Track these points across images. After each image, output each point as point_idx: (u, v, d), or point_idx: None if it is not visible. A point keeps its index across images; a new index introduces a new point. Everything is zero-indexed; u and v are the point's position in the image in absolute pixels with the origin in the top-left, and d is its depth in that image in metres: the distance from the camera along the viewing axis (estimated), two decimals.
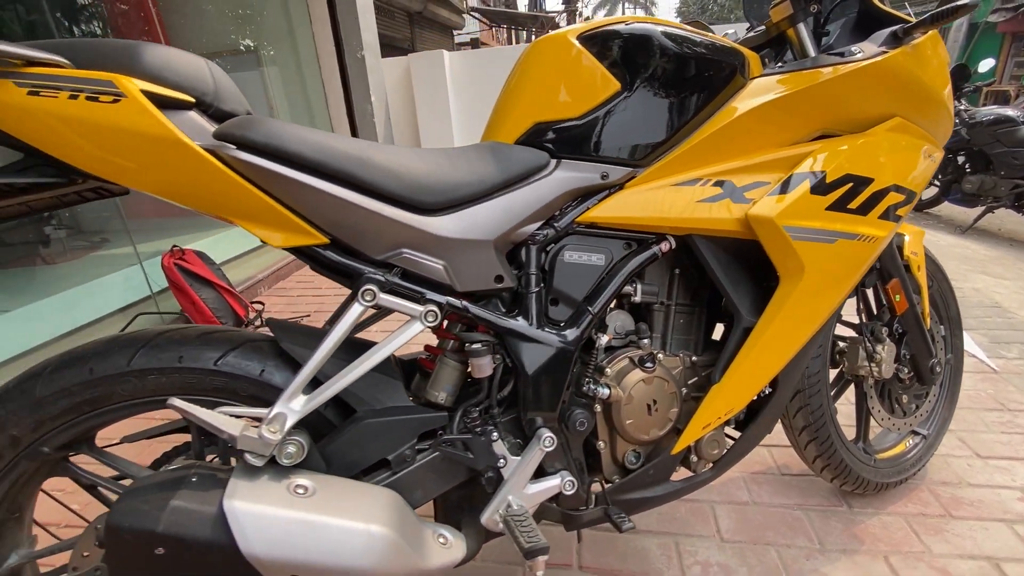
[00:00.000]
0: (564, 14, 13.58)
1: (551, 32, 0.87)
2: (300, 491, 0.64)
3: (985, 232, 4.02)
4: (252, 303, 2.59)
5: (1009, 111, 3.81)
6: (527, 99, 0.86)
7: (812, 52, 0.98)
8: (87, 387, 0.70)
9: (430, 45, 11.52)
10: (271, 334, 0.80)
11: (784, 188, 0.83)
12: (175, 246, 2.39)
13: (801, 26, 0.98)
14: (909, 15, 0.98)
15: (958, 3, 0.83)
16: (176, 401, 0.62)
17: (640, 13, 44.74)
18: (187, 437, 0.84)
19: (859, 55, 0.88)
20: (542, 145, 0.84)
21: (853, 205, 0.86)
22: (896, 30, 0.90)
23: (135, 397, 0.73)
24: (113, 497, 0.78)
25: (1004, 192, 3.81)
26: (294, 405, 0.67)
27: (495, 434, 0.80)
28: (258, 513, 0.59)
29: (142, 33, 3.17)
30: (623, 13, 43.65)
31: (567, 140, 0.83)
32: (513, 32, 15.05)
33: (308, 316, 2.60)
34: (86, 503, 0.96)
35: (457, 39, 14.34)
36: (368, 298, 0.71)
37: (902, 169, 0.90)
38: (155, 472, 0.65)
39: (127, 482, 0.82)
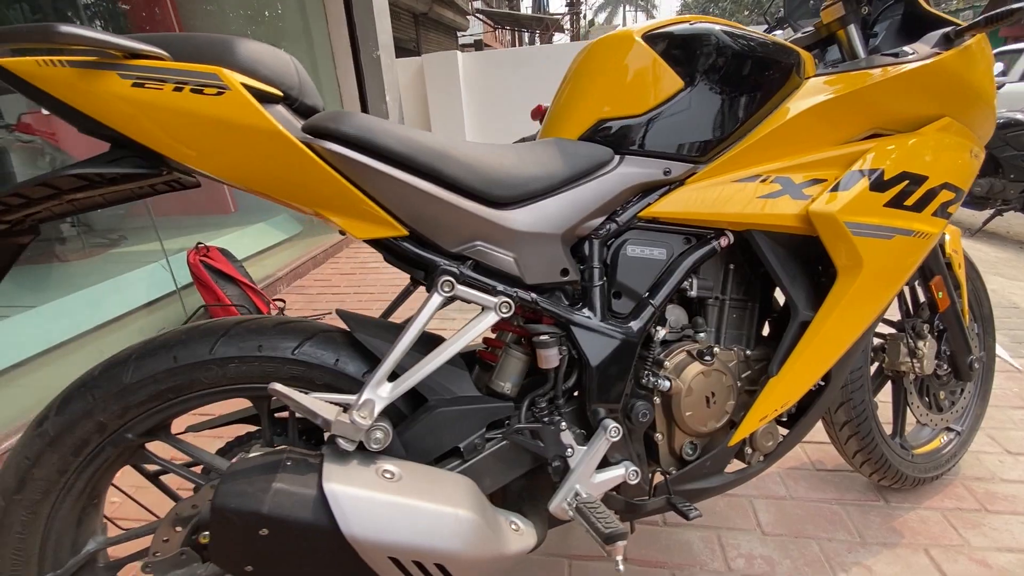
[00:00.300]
0: (568, 16, 13.64)
1: (615, 31, 0.89)
2: (388, 475, 0.66)
3: (994, 235, 4.04)
4: (273, 300, 2.60)
5: (1018, 115, 3.84)
6: (591, 96, 0.87)
7: (861, 52, 1.00)
8: (171, 375, 0.71)
9: (434, 46, 11.56)
10: (342, 326, 0.82)
11: (844, 185, 0.85)
12: (200, 243, 2.40)
13: (851, 27, 1.00)
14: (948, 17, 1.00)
15: (1011, 6, 0.85)
16: (277, 386, 0.63)
17: (641, 16, 44.88)
18: (239, 430, 0.86)
19: (912, 56, 0.90)
20: (606, 141, 0.86)
21: (909, 202, 0.88)
22: (948, 32, 0.93)
23: (216, 385, 0.74)
24: (188, 484, 0.79)
25: (1013, 195, 3.84)
26: (381, 392, 0.69)
27: (563, 424, 0.81)
28: (356, 496, 0.60)
29: (160, 30, 3.18)
30: (624, 16, 43.80)
31: (631, 136, 0.85)
32: (516, 34, 15.11)
33: (329, 314, 2.61)
34: (136, 488, 0.97)
35: (461, 40, 14.38)
36: (447, 289, 0.73)
37: (952, 168, 0.92)
38: (250, 456, 0.66)
39: (196, 469, 0.83)
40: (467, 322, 0.77)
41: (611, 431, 0.82)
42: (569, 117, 0.89)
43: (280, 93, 0.67)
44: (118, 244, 2.88)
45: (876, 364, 1.25)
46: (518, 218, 0.79)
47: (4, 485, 0.68)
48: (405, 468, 0.68)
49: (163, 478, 0.87)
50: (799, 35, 1.12)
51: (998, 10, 0.87)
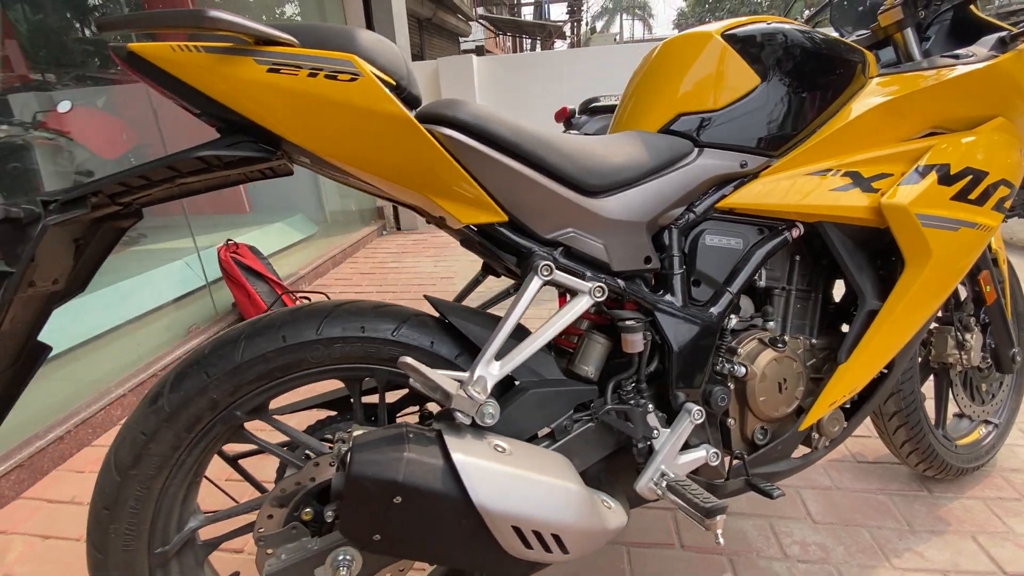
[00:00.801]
0: (569, 23, 13.79)
1: (691, 29, 0.93)
2: (500, 450, 0.68)
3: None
4: (299, 297, 2.61)
5: None
6: (671, 91, 0.91)
7: (917, 55, 1.05)
8: (281, 354, 0.74)
9: (437, 52, 11.64)
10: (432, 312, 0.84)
11: (913, 179, 0.89)
12: (229, 239, 2.42)
13: (908, 31, 1.04)
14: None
15: None
16: (408, 359, 0.66)
17: (638, 24, 45.33)
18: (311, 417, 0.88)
19: (972, 58, 0.94)
20: (685, 134, 0.89)
21: (972, 196, 0.91)
22: (1004, 36, 0.97)
23: (321, 365, 0.76)
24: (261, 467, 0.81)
25: (1018, 202, 3.92)
26: (492, 370, 0.71)
27: (649, 406, 0.84)
28: (483, 467, 0.62)
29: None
30: (620, 24, 44.22)
31: (709, 130, 0.88)
32: (517, 40, 15.25)
33: None
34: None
35: (463, 46, 14.47)
36: (546, 272, 0.76)
37: (1008, 165, 0.96)
38: (371, 430, 0.68)
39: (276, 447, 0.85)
40: (561, 307, 0.80)
41: (695, 414, 0.85)
42: (648, 111, 0.92)
43: (393, 82, 0.70)
44: (138, 242, 2.89)
45: (919, 357, 1.29)
46: (608, 206, 0.82)
47: (120, 460, 0.70)
48: (512, 444, 0.71)
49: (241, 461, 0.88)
50: (854, 37, 1.16)
51: None
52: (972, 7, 1.05)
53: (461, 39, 14.06)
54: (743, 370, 0.89)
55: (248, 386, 0.74)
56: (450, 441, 0.65)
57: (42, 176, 2.56)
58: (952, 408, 1.32)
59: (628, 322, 0.82)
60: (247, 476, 0.90)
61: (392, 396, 0.91)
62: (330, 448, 0.79)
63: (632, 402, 0.84)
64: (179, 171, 0.67)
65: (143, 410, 0.71)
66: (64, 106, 2.60)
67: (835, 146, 0.91)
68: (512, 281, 1.10)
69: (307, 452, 0.82)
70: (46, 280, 0.66)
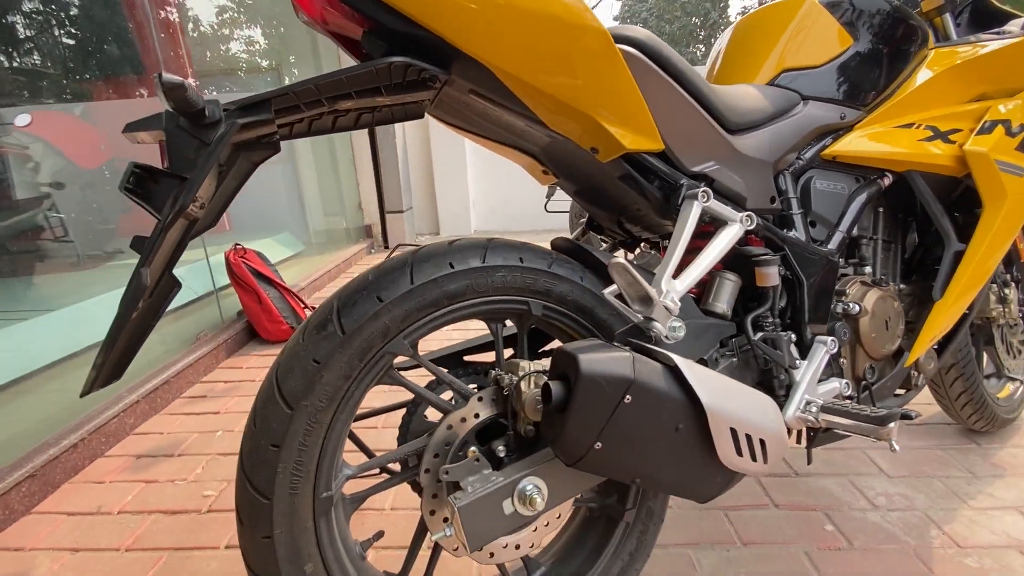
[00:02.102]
0: None
1: None
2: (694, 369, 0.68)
3: None
4: (309, 304, 2.49)
5: None
6: (774, 49, 0.98)
7: (954, 35, 1.18)
8: (450, 279, 0.71)
9: None
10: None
11: (986, 130, 0.99)
12: (237, 244, 2.30)
13: (947, 15, 1.18)
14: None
15: None
16: (620, 260, 0.65)
17: None
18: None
19: (1011, 35, 1.08)
20: (791, 88, 0.96)
21: None
22: None
23: (484, 294, 0.74)
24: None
25: None
26: (675, 285, 0.72)
27: (792, 335, 0.86)
28: (702, 371, 0.62)
29: (168, 56, 3.12)
30: None
31: (812, 84, 0.95)
32: None
33: None
34: None
35: None
36: (704, 198, 0.78)
37: None
38: (583, 341, 0.66)
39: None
40: (715, 235, 0.82)
41: (830, 344, 0.87)
42: (753, 66, 0.99)
43: None
44: (115, 257, 2.70)
45: None
46: (745, 143, 0.86)
47: (292, 390, 0.64)
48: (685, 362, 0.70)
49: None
50: None
51: None
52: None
53: None
54: (857, 308, 0.94)
55: (417, 313, 0.70)
56: (658, 349, 0.64)
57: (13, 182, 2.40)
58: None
59: (764, 257, 0.85)
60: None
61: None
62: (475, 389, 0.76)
63: (775, 334, 0.86)
64: (348, 89, 0.65)
65: (311, 337, 0.66)
66: (22, 120, 2.48)
67: (915, 103, 1.01)
68: (602, 238, 1.11)
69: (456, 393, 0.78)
70: (196, 202, 0.62)
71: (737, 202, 0.86)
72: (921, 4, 1.20)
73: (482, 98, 0.73)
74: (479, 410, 0.73)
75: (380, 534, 0.77)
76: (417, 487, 0.77)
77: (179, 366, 1.84)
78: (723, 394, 0.63)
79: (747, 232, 0.87)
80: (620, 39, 0.72)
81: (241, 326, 2.26)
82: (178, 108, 0.55)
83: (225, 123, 0.60)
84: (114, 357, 0.60)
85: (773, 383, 0.87)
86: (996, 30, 1.12)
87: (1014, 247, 1.32)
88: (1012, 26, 1.13)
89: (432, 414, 0.78)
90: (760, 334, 0.84)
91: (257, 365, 2.08)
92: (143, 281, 0.59)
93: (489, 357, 0.86)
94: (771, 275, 0.85)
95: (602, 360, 0.59)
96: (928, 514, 1.15)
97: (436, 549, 0.80)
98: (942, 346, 1.09)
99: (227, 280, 2.30)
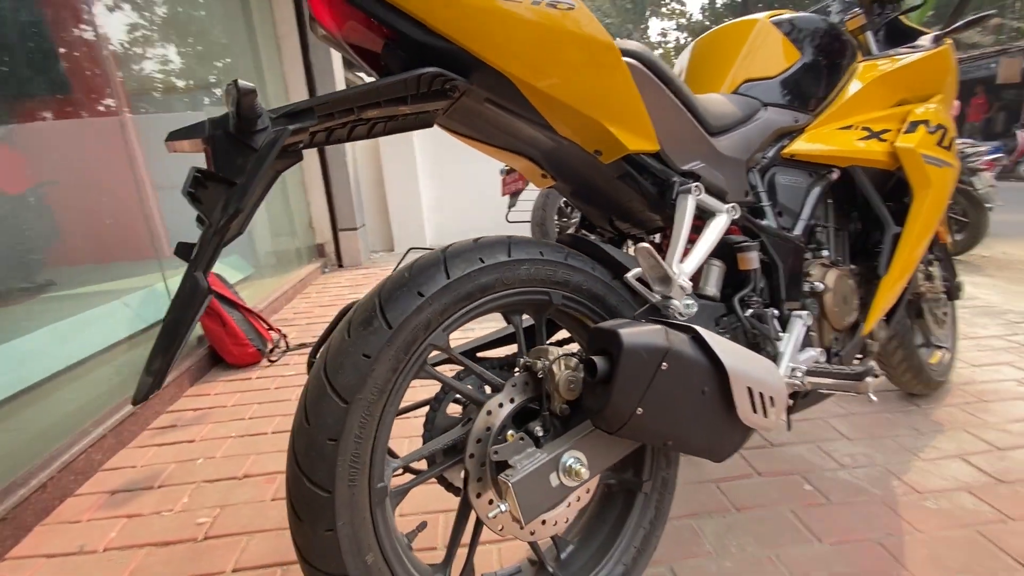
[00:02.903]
0: None
1: (744, 18, 1.15)
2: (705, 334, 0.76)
3: None
4: (273, 327, 2.41)
5: None
6: (735, 62, 1.11)
7: (875, 50, 1.37)
8: (482, 272, 0.76)
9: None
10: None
11: (911, 129, 1.16)
12: None
13: (869, 32, 1.37)
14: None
15: (981, 14, 1.27)
16: (645, 245, 0.72)
17: None
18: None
19: (924, 48, 1.27)
20: (752, 95, 1.09)
21: (945, 143, 1.21)
22: (937, 34, 1.32)
23: (511, 286, 0.79)
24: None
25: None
26: (686, 267, 0.80)
27: (775, 311, 0.97)
28: (722, 340, 0.70)
29: (89, 70, 2.97)
30: None
31: (770, 92, 1.09)
32: None
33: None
34: None
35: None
36: (697, 192, 0.87)
37: (952, 124, 1.29)
38: (615, 320, 0.71)
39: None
40: (707, 225, 0.91)
41: (806, 317, 0.99)
42: (718, 78, 1.11)
43: None
44: (47, 289, 2.51)
45: None
46: (723, 143, 0.97)
47: (345, 385, 0.66)
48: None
49: None
50: None
51: (972, 17, 1.28)
52: (903, 18, 1.42)
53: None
54: (821, 286, 1.07)
55: (454, 306, 0.74)
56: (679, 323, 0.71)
57: None
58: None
59: (745, 243, 0.96)
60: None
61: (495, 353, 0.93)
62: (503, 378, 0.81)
63: (758, 311, 0.97)
64: (382, 98, 0.69)
65: (358, 333, 0.68)
66: None
67: (850, 108, 1.17)
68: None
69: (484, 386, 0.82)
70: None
71: (720, 196, 0.96)
72: (847, 23, 1.39)
73: (496, 106, 0.79)
74: (513, 395, 0.78)
75: (423, 525, 0.79)
76: (442, 480, 0.80)
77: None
78: (738, 358, 0.71)
79: (732, 222, 0.97)
80: (624, 52, 0.80)
81: (203, 352, 2.16)
82: (243, 114, 0.57)
83: (273, 129, 0.62)
84: (164, 364, 0.60)
85: (761, 354, 0.97)
86: (910, 45, 1.31)
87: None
88: (923, 41, 1.33)
89: (452, 409, 0.82)
90: (748, 311, 0.94)
91: (225, 391, 2.00)
92: (201, 284, 0.60)
93: (496, 353, 0.91)
94: (752, 259, 0.96)
95: (640, 333, 0.66)
96: (888, 468, 1.30)
97: (474, 540, 0.82)
98: (888, 317, 1.26)
99: None
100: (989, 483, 1.22)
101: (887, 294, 1.16)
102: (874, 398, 0.87)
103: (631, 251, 0.95)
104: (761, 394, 0.73)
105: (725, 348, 0.70)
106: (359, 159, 4.58)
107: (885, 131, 1.18)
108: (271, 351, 2.29)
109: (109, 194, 2.96)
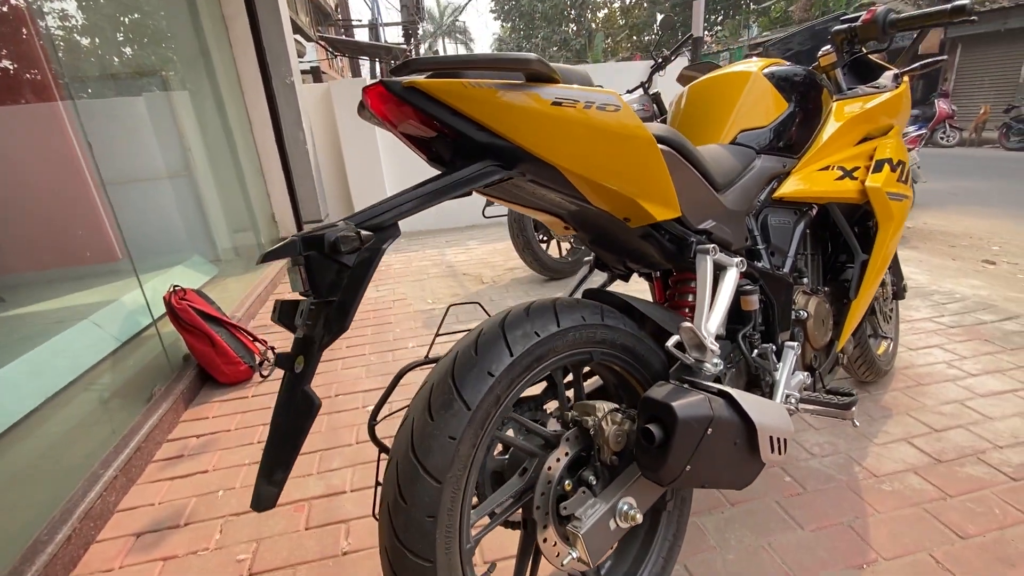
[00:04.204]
0: (410, 47, 14.04)
1: (740, 68, 1.24)
2: (732, 391, 0.88)
3: None
4: (259, 339, 2.38)
5: None
6: (732, 114, 1.21)
7: (844, 85, 1.51)
8: (539, 345, 0.84)
9: None
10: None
11: (877, 168, 1.31)
12: (176, 285, 2.13)
13: (839, 70, 1.50)
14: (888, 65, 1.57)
15: (934, 59, 1.42)
16: (688, 324, 0.82)
17: (462, 49, 47.42)
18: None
19: (887, 88, 1.42)
20: (748, 145, 1.20)
21: (903, 178, 1.38)
22: (896, 73, 1.47)
23: (560, 352, 0.88)
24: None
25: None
26: (711, 327, 0.91)
27: (772, 347, 1.11)
28: (748, 397, 0.82)
29: (17, 52, 2.70)
30: (444, 47, 45.78)
31: (763, 140, 1.20)
32: (356, 63, 14.97)
33: None
34: None
35: (300, 66, 13.71)
36: (713, 253, 0.98)
37: (906, 157, 1.46)
38: (657, 387, 0.82)
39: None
40: (721, 281, 1.03)
41: (796, 348, 1.15)
42: (719, 128, 1.21)
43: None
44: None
45: None
46: (728, 199, 1.08)
47: (436, 464, 0.74)
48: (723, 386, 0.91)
49: None
50: None
51: (927, 60, 1.43)
52: (871, 56, 1.56)
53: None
54: (805, 314, 1.22)
55: (517, 380, 0.82)
56: (713, 384, 0.83)
57: None
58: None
59: (747, 287, 1.09)
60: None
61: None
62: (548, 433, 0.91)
63: (760, 347, 1.11)
64: (450, 195, 0.75)
65: (441, 416, 0.75)
66: None
67: (827, 149, 1.30)
68: (606, 279, 1.29)
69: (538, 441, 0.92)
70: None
71: (726, 247, 1.08)
72: (820, 60, 1.51)
73: (538, 184, 0.86)
74: (568, 449, 0.88)
75: (493, 567, 0.90)
76: (508, 524, 0.91)
77: (144, 430, 1.72)
78: (763, 413, 0.84)
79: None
80: (659, 140, 0.88)
81: (192, 372, 2.13)
82: (339, 242, 0.61)
83: (366, 248, 0.67)
84: (284, 474, 0.66)
85: (760, 383, 1.12)
86: (872, 84, 1.45)
87: None
88: (884, 79, 1.48)
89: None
90: (755, 351, 1.08)
91: (223, 412, 2.00)
92: (315, 401, 0.65)
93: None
94: (753, 301, 1.09)
95: (690, 405, 0.77)
96: (850, 454, 1.52)
97: (534, 571, 0.94)
98: (855, 331, 1.44)
99: (163, 319, 2.13)
100: (930, 463, 1.46)
101: (856, 315, 1.33)
102: (858, 424, 1.04)
103: (679, 328, 1.04)
104: (780, 439, 0.87)
105: (752, 406, 0.83)
106: (319, 146, 4.41)
107: (855, 168, 1.33)
108: (261, 364, 2.28)
109: (48, 192, 2.75)
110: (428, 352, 1.00)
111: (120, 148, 3.33)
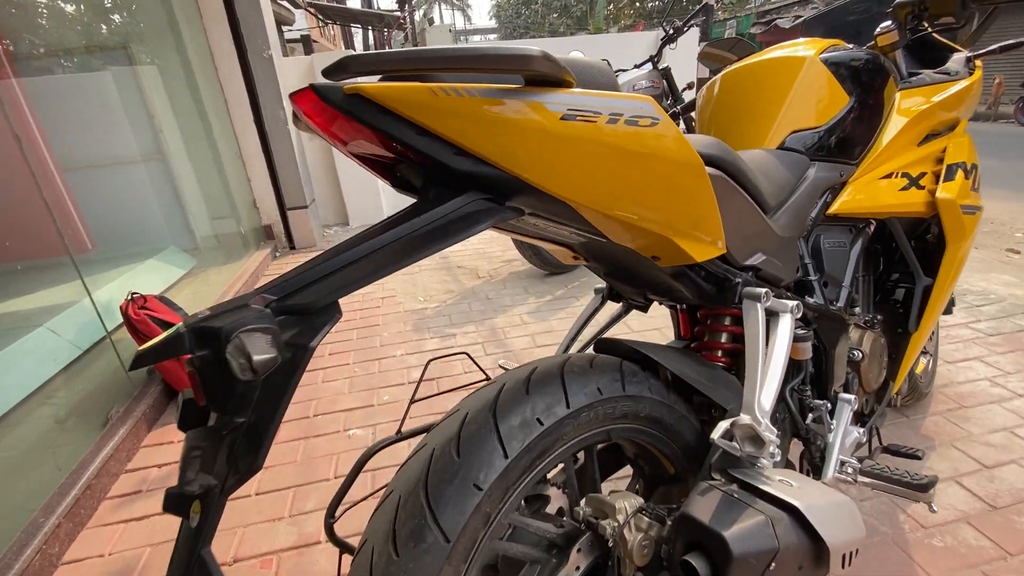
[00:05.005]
0: (407, 14, 13.41)
1: (790, 52, 1.00)
2: (791, 484, 0.68)
3: None
4: None
5: None
6: (781, 110, 0.97)
7: (904, 71, 1.27)
8: (541, 438, 0.64)
9: None
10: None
11: (950, 175, 1.09)
12: (134, 293, 1.91)
13: (900, 51, 1.25)
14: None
15: (1017, 41, 1.18)
16: (742, 419, 0.61)
17: (458, 15, 45.86)
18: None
19: (959, 75, 1.18)
20: (799, 150, 0.97)
21: (976, 186, 1.16)
22: (969, 56, 1.23)
23: (570, 439, 0.68)
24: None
25: None
26: (764, 405, 0.70)
27: (828, 405, 0.91)
28: (817, 507, 0.62)
29: None
30: (441, 14, 44.27)
31: (818, 144, 0.97)
32: (349, 31, 14.34)
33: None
34: None
35: (287, 35, 13.15)
36: (766, 299, 0.77)
37: (976, 158, 1.23)
38: (695, 501, 0.62)
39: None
40: (772, 335, 0.81)
41: (852, 402, 0.94)
42: (766, 130, 0.98)
43: None
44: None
45: None
46: (779, 223, 0.86)
47: None
48: (782, 473, 0.71)
49: None
50: None
51: (1009, 42, 1.19)
52: (935, 35, 1.31)
53: (284, 28, 12.74)
54: (860, 355, 1.02)
55: (513, 487, 0.62)
56: (772, 488, 0.63)
57: None
58: None
59: (799, 331, 0.88)
60: None
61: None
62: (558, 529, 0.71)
63: (811, 404, 0.91)
64: (423, 253, 0.54)
65: (409, 552, 0.56)
66: None
67: (890, 152, 1.07)
68: (621, 309, 1.08)
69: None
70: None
71: (775, 283, 0.87)
72: (876, 40, 1.26)
73: (542, 219, 0.64)
74: (579, 563, 0.69)
75: None
76: None
77: (96, 462, 1.53)
78: (836, 525, 0.64)
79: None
80: (708, 161, 0.66)
81: (157, 389, 1.93)
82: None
83: (291, 343, 0.46)
84: None
85: (809, 447, 0.93)
86: (942, 69, 1.21)
87: None
88: (954, 63, 1.23)
89: None
90: (808, 414, 0.88)
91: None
92: (212, 568, 0.45)
93: None
94: (806, 348, 0.88)
95: (748, 535, 0.57)
96: (893, 499, 1.34)
97: None
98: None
99: (118, 328, 1.93)
100: (984, 511, 1.28)
101: (917, 349, 1.13)
102: (935, 509, 0.86)
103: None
104: (852, 553, 0.68)
105: (825, 518, 0.63)
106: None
107: (922, 175, 1.10)
108: None
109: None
110: (401, 425, 0.79)
111: (81, 130, 3.06)
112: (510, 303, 2.70)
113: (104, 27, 3.15)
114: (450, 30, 13.85)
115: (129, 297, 1.89)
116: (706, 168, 0.64)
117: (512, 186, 0.56)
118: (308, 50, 12.24)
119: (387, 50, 0.47)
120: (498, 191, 0.57)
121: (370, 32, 13.29)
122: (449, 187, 0.56)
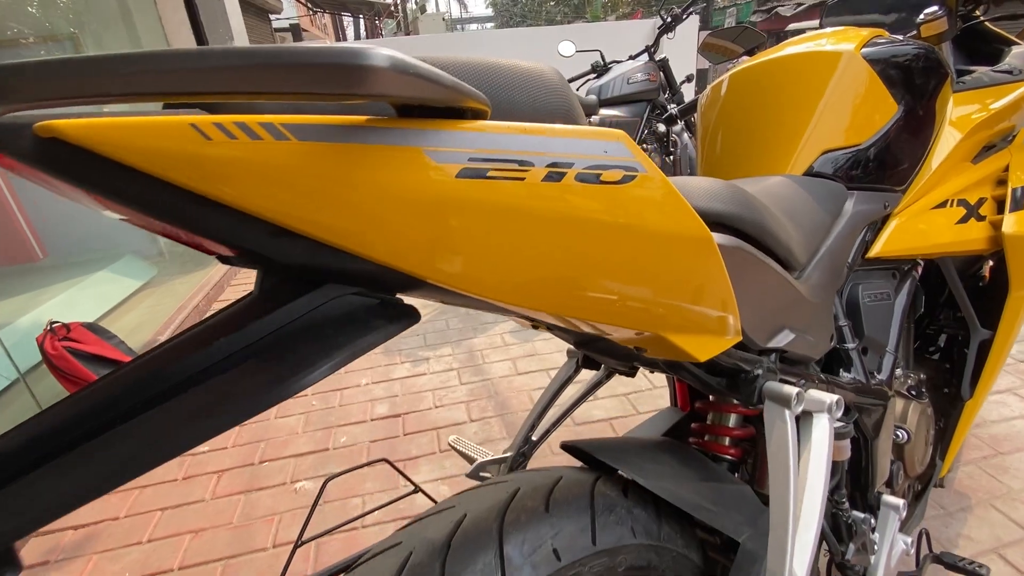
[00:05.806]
0: (399, 1, 13.01)
1: (822, 46, 0.76)
2: None
3: None
4: None
5: None
6: (811, 124, 0.74)
7: (952, 67, 1.03)
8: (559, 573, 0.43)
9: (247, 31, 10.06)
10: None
11: (1017, 204, 0.86)
12: (54, 322, 1.68)
13: (948, 43, 1.02)
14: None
15: None
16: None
17: (452, 3, 45.13)
18: None
19: (1022, 74, 0.94)
20: (832, 176, 0.74)
21: None
22: None
23: None
24: None
25: None
26: (798, 569, 0.48)
27: (872, 520, 0.69)
28: None
29: None
30: (435, 1, 43.58)
31: (856, 168, 0.74)
32: (338, 19, 13.91)
33: None
34: None
35: (275, 24, 12.80)
36: (797, 402, 0.54)
37: None
38: None
39: None
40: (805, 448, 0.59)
41: (901, 509, 0.72)
42: (790, 149, 0.75)
43: None
44: None
45: None
46: (811, 284, 0.63)
47: None
48: None
49: None
50: None
51: None
52: (988, 24, 1.07)
53: (272, 17, 12.38)
54: (905, 435, 0.80)
55: None
56: None
57: None
58: None
59: (840, 431, 0.65)
60: None
61: None
62: None
63: (847, 517, 0.68)
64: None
65: None
66: None
67: (943, 173, 0.84)
68: (601, 374, 0.86)
69: None
70: None
71: (803, 362, 0.64)
72: (919, 29, 1.03)
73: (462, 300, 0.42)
74: None
75: None
76: None
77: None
78: None
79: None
80: (720, 221, 0.43)
81: None
82: None
83: None
84: None
85: (847, 573, 0.71)
86: (1001, 67, 0.98)
87: None
88: (1014, 59, 1.00)
89: None
90: (850, 539, 0.65)
91: (116, 492, 1.58)
92: None
93: None
94: (844, 448, 0.66)
95: None
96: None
97: None
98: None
99: (37, 362, 1.69)
100: None
101: (969, 422, 0.91)
102: None
103: None
104: None
105: None
106: None
107: (981, 201, 0.87)
108: None
109: None
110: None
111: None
112: (491, 319, 2.47)
113: (50, 15, 2.88)
114: (444, 18, 13.51)
115: (48, 328, 1.65)
116: (716, 237, 0.41)
117: (390, 278, 0.33)
118: (298, 40, 11.92)
119: (89, 55, 0.24)
120: (373, 283, 0.34)
121: (362, 21, 12.90)
122: (295, 270, 0.33)
